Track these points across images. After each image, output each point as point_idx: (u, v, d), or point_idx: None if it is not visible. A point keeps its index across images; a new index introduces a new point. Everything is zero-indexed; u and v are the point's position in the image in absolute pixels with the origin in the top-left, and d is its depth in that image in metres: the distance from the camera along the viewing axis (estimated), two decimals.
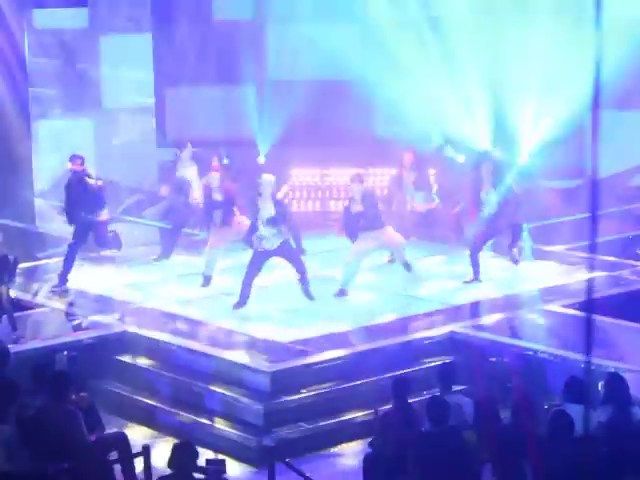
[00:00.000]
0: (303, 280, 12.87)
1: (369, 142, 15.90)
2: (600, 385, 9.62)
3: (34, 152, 15.90)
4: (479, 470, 8.22)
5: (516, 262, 13.86)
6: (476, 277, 13.47)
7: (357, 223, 13.05)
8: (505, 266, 14.11)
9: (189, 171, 14.55)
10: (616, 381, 8.93)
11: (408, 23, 15.97)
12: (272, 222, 12.51)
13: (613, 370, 10.10)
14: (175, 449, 8.05)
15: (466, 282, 13.45)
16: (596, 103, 5.40)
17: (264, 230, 12.53)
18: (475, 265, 13.48)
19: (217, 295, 13.42)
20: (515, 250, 13.81)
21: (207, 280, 13.57)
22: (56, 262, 14.65)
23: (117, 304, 13.09)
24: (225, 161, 15.34)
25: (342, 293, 13.16)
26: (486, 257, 14.06)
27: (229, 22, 16.89)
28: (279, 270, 13.37)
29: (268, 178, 12.83)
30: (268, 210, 12.61)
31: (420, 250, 14.33)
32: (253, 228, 12.64)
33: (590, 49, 5.59)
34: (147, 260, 14.68)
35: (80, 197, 13.30)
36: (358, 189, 13.03)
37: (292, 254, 12.90)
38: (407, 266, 13.46)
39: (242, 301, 12.66)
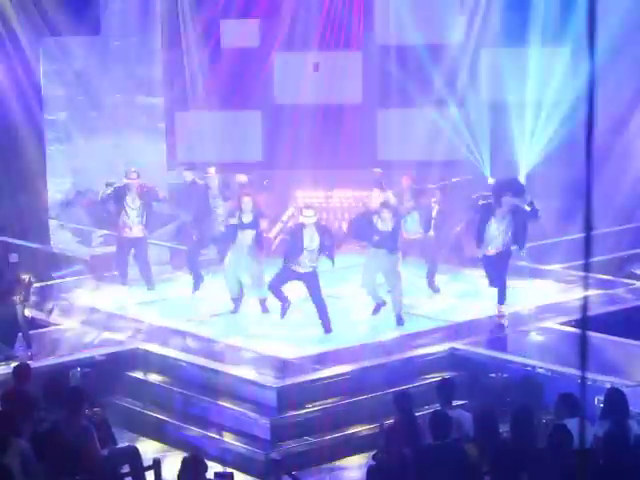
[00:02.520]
0: (320, 313, 12.86)
1: (372, 165, 16.04)
2: (596, 400, 9.86)
3: (48, 175, 16.09)
4: None
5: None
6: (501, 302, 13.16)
7: (371, 234, 13.01)
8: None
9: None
10: (616, 396, 9.06)
11: (409, 49, 16.13)
12: (316, 251, 12.68)
13: (609, 385, 10.27)
14: (184, 462, 8.11)
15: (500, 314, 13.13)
16: (590, 123, 5.53)
17: (306, 256, 12.69)
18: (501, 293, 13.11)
19: (226, 313, 13.61)
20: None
21: (237, 304, 13.63)
22: (70, 281, 14.98)
23: (129, 322, 13.28)
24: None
25: (377, 308, 13.31)
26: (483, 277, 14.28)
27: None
28: (285, 288, 13.59)
29: (310, 212, 12.85)
30: (313, 239, 12.74)
31: (421, 269, 14.44)
32: (294, 251, 12.70)
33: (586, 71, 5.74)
34: (158, 279, 14.92)
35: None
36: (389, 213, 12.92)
37: (314, 285, 12.87)
38: (399, 319, 13.09)
39: (284, 306, 12.98)
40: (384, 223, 12.87)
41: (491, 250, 12.93)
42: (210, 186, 14.42)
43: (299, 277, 12.92)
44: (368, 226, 12.97)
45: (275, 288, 13.04)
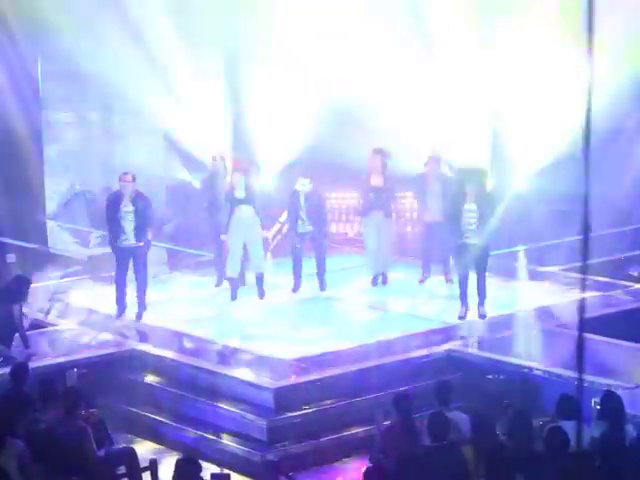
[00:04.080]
0: (320, 268, 13.98)
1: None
2: (593, 402, 9.86)
3: (46, 175, 16.09)
4: None
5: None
6: (464, 308, 13.00)
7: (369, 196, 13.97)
8: (500, 286, 14.23)
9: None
10: (612, 398, 9.08)
11: (405, 47, 16.09)
12: (309, 218, 13.74)
13: (606, 387, 10.29)
14: (178, 464, 8.08)
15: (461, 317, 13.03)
16: (588, 125, 5.54)
17: (302, 225, 13.80)
18: (463, 297, 13.01)
19: (222, 314, 13.63)
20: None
21: (234, 287, 13.92)
22: (67, 282, 14.97)
23: (126, 323, 13.26)
24: None
25: (374, 280, 14.21)
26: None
27: None
28: (284, 289, 13.63)
29: (303, 181, 13.79)
30: (304, 208, 13.77)
31: (419, 270, 14.53)
32: (293, 224, 13.86)
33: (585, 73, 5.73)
34: (154, 280, 14.95)
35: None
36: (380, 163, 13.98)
37: (320, 248, 13.99)
38: (383, 276, 14.35)
39: (296, 286, 14.06)
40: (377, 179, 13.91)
41: (468, 239, 12.72)
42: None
43: (305, 237, 13.88)
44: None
45: (296, 260, 13.91)
